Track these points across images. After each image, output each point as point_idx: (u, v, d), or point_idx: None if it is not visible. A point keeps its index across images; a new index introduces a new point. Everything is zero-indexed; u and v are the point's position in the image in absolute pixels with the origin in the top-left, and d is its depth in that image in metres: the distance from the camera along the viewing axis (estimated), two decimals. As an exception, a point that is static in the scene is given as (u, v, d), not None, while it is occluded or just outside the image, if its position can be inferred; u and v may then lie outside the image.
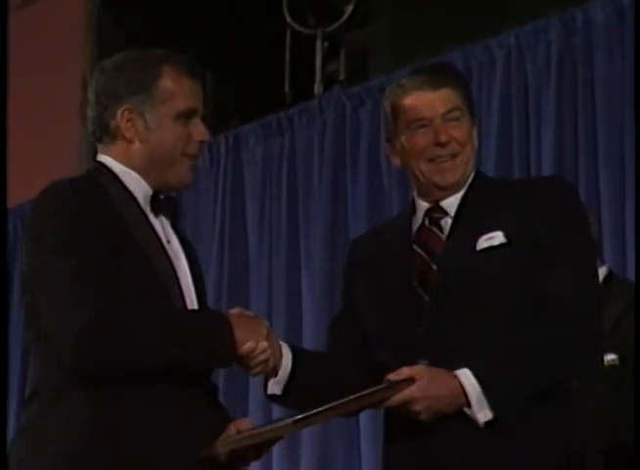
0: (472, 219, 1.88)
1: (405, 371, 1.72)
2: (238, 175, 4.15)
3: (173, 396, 1.69)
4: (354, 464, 3.56)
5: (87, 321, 1.62)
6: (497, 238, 1.82)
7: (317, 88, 4.02)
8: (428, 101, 1.89)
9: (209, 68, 4.65)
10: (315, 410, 1.64)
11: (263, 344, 1.74)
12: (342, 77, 4.02)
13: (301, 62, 4.15)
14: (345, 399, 1.66)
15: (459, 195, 1.90)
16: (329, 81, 4.01)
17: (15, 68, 4.25)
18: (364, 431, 3.49)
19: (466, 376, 1.73)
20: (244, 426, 1.73)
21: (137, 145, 1.82)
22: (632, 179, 3.12)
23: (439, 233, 1.88)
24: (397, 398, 1.70)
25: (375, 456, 3.31)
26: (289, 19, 4.14)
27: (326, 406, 1.65)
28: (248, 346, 1.72)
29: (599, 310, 1.82)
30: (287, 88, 4.16)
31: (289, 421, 1.63)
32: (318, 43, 4.06)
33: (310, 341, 3.73)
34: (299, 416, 1.62)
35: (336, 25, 4.03)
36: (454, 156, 1.90)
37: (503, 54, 3.44)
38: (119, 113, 1.81)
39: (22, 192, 4.36)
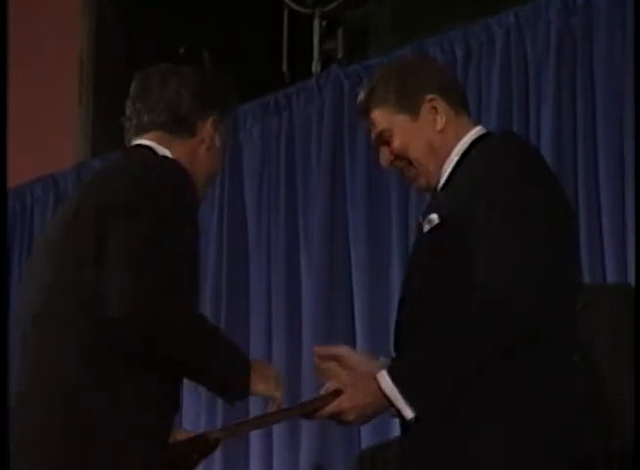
0: (434, 201, 1.94)
1: (330, 386, 1.82)
2: (236, 154, 4.14)
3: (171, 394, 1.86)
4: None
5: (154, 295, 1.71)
6: (434, 220, 1.85)
7: (315, 67, 4.01)
8: (367, 127, 2.06)
9: (207, 47, 4.64)
10: (243, 420, 1.86)
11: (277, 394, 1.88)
12: (340, 56, 4.01)
13: (299, 41, 4.13)
14: (275, 411, 1.82)
15: (443, 178, 1.96)
16: (327, 60, 4.00)
17: (13, 50, 4.23)
18: (364, 431, 3.51)
19: (384, 379, 1.76)
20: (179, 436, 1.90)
21: (203, 151, 1.96)
22: (632, 159, 3.12)
23: (421, 219, 1.94)
24: (327, 411, 1.80)
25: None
26: (286, -2, 4.13)
27: (255, 417, 1.76)
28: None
29: (527, 291, 1.74)
30: (285, 67, 4.14)
31: (216, 433, 1.84)
32: (316, 22, 4.05)
33: (310, 320, 3.74)
34: (226, 427, 1.74)
35: (334, 4, 4.02)
36: (409, 164, 1.98)
37: (502, 33, 3.43)
38: (211, 119, 1.96)
39: (20, 173, 4.36)
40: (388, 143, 2.01)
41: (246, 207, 4.07)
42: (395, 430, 3.30)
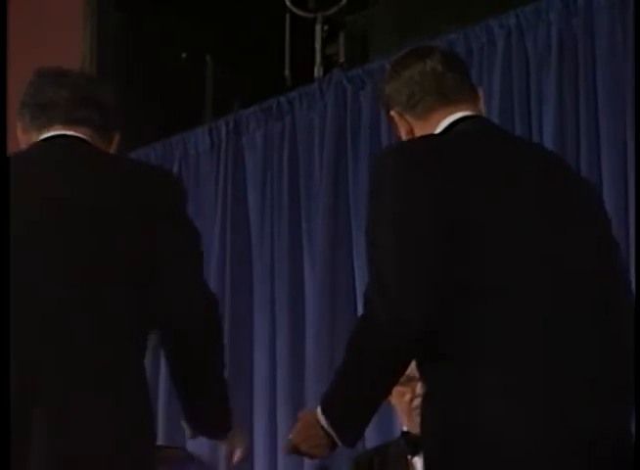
0: None
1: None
2: (239, 160, 4.14)
3: None
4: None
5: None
6: None
7: (317, 71, 4.01)
8: None
9: (209, 52, 4.65)
10: None
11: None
12: (342, 60, 4.01)
13: (301, 45, 4.14)
14: None
15: None
16: (329, 65, 4.01)
17: (14, 56, 4.24)
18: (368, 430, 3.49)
19: (317, 411, 1.89)
20: None
21: None
22: (634, 160, 3.11)
23: None
24: (286, 447, 1.98)
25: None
26: (288, 2, 4.13)
27: None
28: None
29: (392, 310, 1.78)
30: (287, 72, 4.15)
31: None
32: (318, 27, 4.05)
33: (313, 323, 3.73)
34: None
35: (335, 9, 4.02)
36: None
37: (504, 35, 3.43)
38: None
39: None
40: None
41: (248, 211, 4.07)
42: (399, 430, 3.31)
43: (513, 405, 1.76)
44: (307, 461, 3.54)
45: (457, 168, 1.85)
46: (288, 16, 4.15)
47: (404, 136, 2.03)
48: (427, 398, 1.87)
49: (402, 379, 2.54)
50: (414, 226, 1.80)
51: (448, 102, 1.99)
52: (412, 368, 2.59)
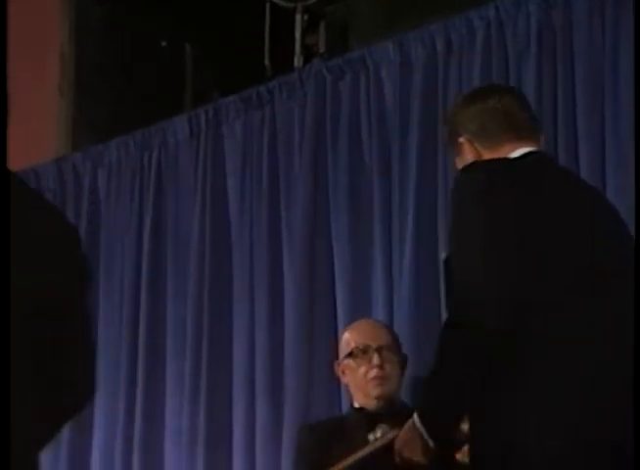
0: None
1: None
2: (218, 149, 4.14)
3: None
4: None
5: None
6: (442, 257, 2.05)
7: (297, 61, 4.01)
8: None
9: (189, 41, 4.64)
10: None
11: None
12: (322, 50, 4.01)
13: (281, 35, 4.13)
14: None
15: None
16: (309, 54, 4.00)
17: (-8, 42, 4.21)
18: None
19: (415, 417, 1.99)
20: None
21: None
22: (613, 152, 3.13)
23: None
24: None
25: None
26: (268, -8, 4.12)
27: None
28: None
29: (461, 306, 1.88)
30: (267, 61, 4.14)
31: None
32: (298, 16, 4.05)
33: (292, 314, 3.74)
34: None
35: (315, -1, 4.02)
36: None
37: (483, 26, 3.44)
38: None
39: None
40: None
41: (228, 200, 4.07)
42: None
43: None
44: (285, 447, 3.56)
45: (533, 191, 1.98)
46: (268, 5, 4.14)
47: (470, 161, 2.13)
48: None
49: (356, 352, 2.56)
50: (500, 239, 1.90)
51: (518, 138, 2.12)
52: (365, 337, 2.58)
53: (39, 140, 4.52)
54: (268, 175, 3.94)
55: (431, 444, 1.92)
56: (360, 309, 3.53)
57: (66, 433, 4.23)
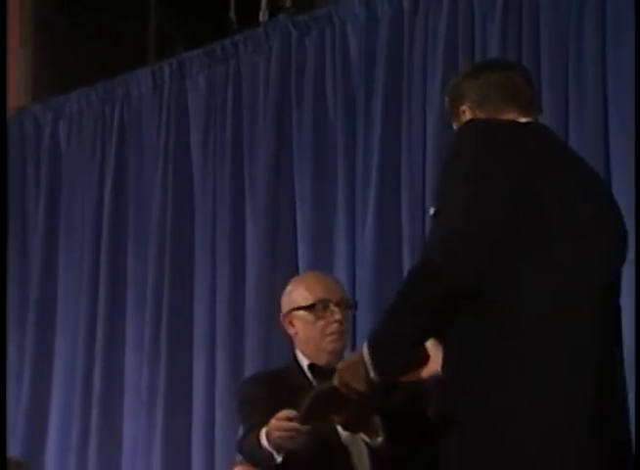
0: None
1: None
2: (182, 103, 4.11)
3: None
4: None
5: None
6: (430, 212, 2.02)
7: (262, 16, 3.97)
8: None
9: (153, -8, 4.57)
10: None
11: None
12: (288, 5, 3.98)
13: (247, -12, 4.10)
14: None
15: None
16: (275, 9, 3.97)
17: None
18: None
19: (364, 345, 1.94)
20: None
21: None
22: (576, 116, 3.15)
23: None
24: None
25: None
26: (234, -57, 4.07)
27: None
28: None
29: (445, 249, 1.85)
30: (232, 14, 4.10)
31: None
32: (264, -31, 4.01)
33: (254, 269, 3.75)
34: None
35: (282, -48, 3.98)
36: None
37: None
38: None
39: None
40: None
41: (191, 155, 4.05)
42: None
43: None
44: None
45: (532, 150, 1.96)
46: (234, -43, 4.09)
47: None
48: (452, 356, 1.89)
49: (318, 305, 2.53)
50: (489, 186, 1.88)
51: (518, 108, 2.10)
52: (326, 291, 2.56)
53: (-1, 90, 4.44)
54: (232, 130, 3.92)
55: (371, 374, 1.89)
56: (322, 266, 3.54)
57: (25, 388, 4.23)
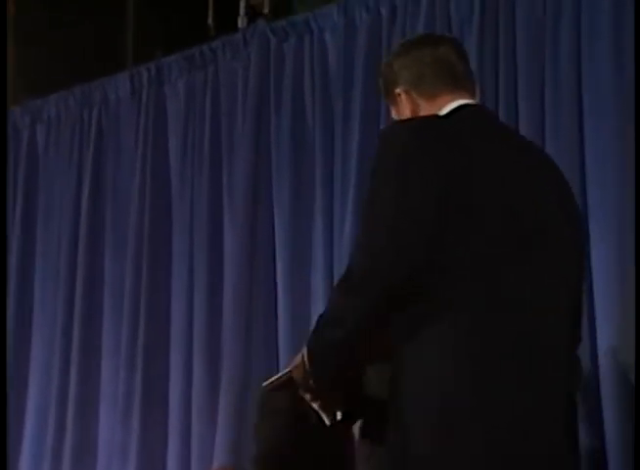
0: None
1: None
2: (160, 108, 4.10)
3: None
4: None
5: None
6: None
7: (241, 22, 3.98)
8: None
9: (132, -2, 4.57)
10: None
11: None
12: (266, 11, 3.99)
13: (225, -6, 4.10)
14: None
15: None
16: (253, 15, 3.97)
17: None
18: None
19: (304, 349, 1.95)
20: None
21: None
22: (552, 119, 3.17)
23: None
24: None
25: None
26: (213, -51, 4.08)
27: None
28: None
29: (365, 258, 1.83)
30: (210, 21, 4.11)
31: None
32: (243, -24, 4.02)
33: (231, 279, 3.74)
34: None
35: (260, -42, 3.99)
36: None
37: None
38: None
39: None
40: None
41: (169, 162, 4.05)
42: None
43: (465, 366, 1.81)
44: (221, 409, 3.58)
45: (462, 150, 1.90)
46: (212, -37, 4.10)
47: (408, 114, 2.08)
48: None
49: None
50: (413, 194, 1.83)
51: (456, 88, 2.06)
52: None
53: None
54: (210, 136, 3.92)
55: (311, 381, 1.89)
56: (300, 275, 3.55)
57: None
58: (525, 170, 1.96)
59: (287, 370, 2.03)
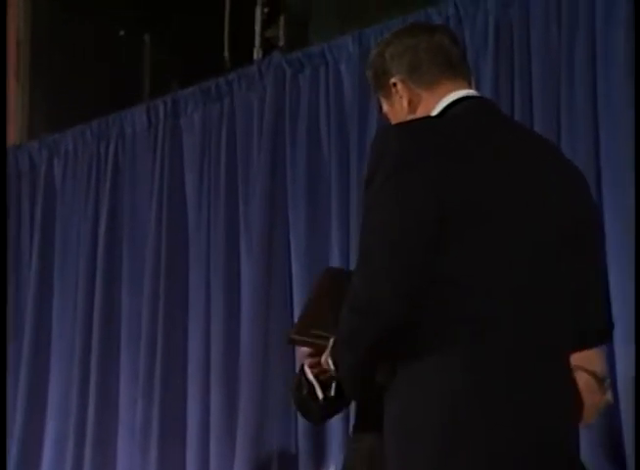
0: None
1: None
2: (176, 141, 4.12)
3: None
4: (291, 437, 3.59)
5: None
6: None
7: (257, 54, 4.00)
8: None
9: (148, 30, 4.61)
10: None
11: None
12: (281, 43, 4.01)
13: (241, 27, 4.13)
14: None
15: None
16: (268, 47, 4.00)
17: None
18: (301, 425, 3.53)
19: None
20: None
21: None
22: (569, 146, 3.16)
23: None
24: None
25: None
26: (228, -17, 4.11)
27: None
28: None
29: (368, 281, 1.76)
30: (226, 53, 4.13)
31: None
32: (258, 9, 4.04)
33: (248, 307, 3.74)
34: None
35: (276, -9, 4.02)
36: None
37: (442, 22, 3.45)
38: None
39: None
40: None
41: (186, 193, 4.06)
42: (332, 427, 3.34)
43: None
44: (239, 440, 3.56)
45: (458, 153, 1.82)
46: (228, -4, 4.13)
47: (405, 106, 1.97)
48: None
49: None
50: (407, 214, 1.76)
51: (453, 75, 1.96)
52: None
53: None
54: (226, 169, 3.93)
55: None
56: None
57: (18, 425, 4.21)
58: (534, 166, 1.87)
59: (323, 336, 1.96)
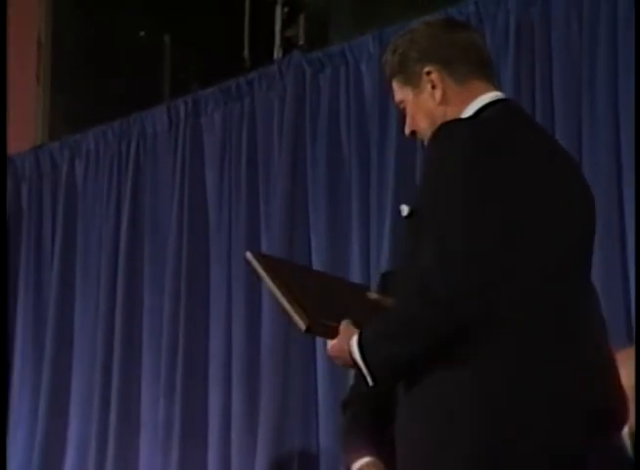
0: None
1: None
2: (197, 140, 4.13)
3: None
4: (312, 437, 3.59)
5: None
6: (403, 211, 1.87)
7: (277, 53, 4.00)
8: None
9: (168, 32, 4.62)
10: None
11: None
12: (301, 43, 4.01)
13: (261, 26, 4.13)
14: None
15: None
16: (288, 47, 4.00)
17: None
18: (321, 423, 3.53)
19: (353, 343, 1.82)
20: None
21: None
22: (589, 148, 3.15)
23: None
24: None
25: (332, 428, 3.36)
26: (248, -18, 4.12)
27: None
28: None
29: (446, 276, 1.73)
30: (246, 53, 4.14)
31: None
32: (278, 8, 4.04)
33: (270, 307, 3.74)
34: None
35: (296, -10, 4.02)
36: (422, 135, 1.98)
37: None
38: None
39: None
40: (405, 115, 2.01)
41: (207, 193, 4.07)
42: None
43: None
44: (260, 439, 3.57)
45: (517, 153, 1.83)
46: (248, -4, 4.14)
47: (436, 96, 1.93)
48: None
49: None
50: (483, 208, 1.75)
51: (483, 76, 1.94)
52: None
53: (16, 129, 4.50)
54: (247, 168, 3.94)
55: (368, 381, 1.78)
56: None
57: (40, 425, 4.23)
58: (561, 175, 1.89)
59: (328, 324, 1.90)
